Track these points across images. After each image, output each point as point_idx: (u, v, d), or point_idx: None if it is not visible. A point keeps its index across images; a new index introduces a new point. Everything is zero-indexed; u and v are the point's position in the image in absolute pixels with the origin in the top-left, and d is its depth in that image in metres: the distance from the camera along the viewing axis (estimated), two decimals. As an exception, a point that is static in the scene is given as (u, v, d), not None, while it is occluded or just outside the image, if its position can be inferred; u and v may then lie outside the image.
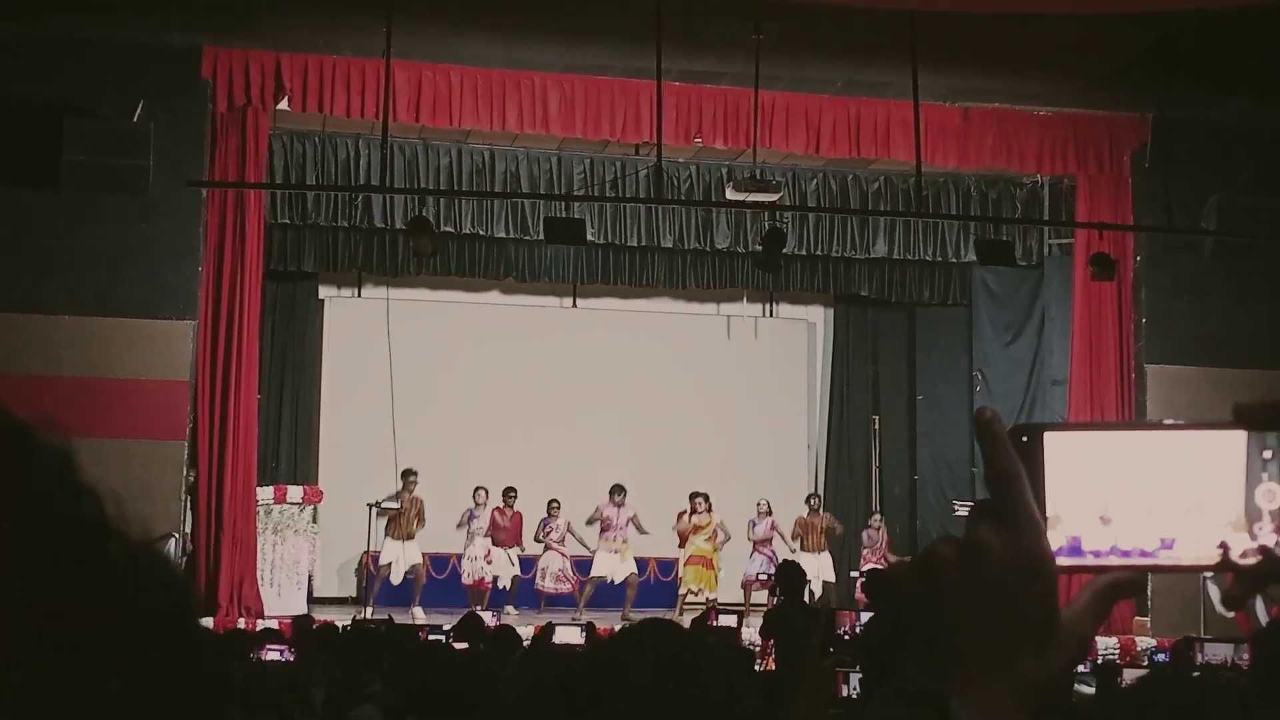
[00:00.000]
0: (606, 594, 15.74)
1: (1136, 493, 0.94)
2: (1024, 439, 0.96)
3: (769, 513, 16.10)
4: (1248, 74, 13.04)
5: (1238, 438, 0.93)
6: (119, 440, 13.00)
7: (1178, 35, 12.13)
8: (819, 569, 15.58)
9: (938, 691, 0.90)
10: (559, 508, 15.74)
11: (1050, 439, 0.96)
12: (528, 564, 15.81)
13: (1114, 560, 0.95)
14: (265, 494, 14.27)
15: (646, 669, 1.67)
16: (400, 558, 14.87)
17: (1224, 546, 0.93)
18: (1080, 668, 8.62)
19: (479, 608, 14.33)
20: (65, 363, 13.03)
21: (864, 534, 16.44)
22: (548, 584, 15.60)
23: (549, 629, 9.70)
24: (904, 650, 0.93)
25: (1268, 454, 0.93)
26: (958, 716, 0.89)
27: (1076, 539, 0.95)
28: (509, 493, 15.51)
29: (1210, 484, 0.94)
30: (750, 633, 11.27)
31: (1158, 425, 0.97)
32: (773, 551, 15.79)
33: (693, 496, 15.93)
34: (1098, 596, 0.95)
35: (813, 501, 16.55)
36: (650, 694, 1.65)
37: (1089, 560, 0.95)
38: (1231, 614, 13.07)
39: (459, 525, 15.32)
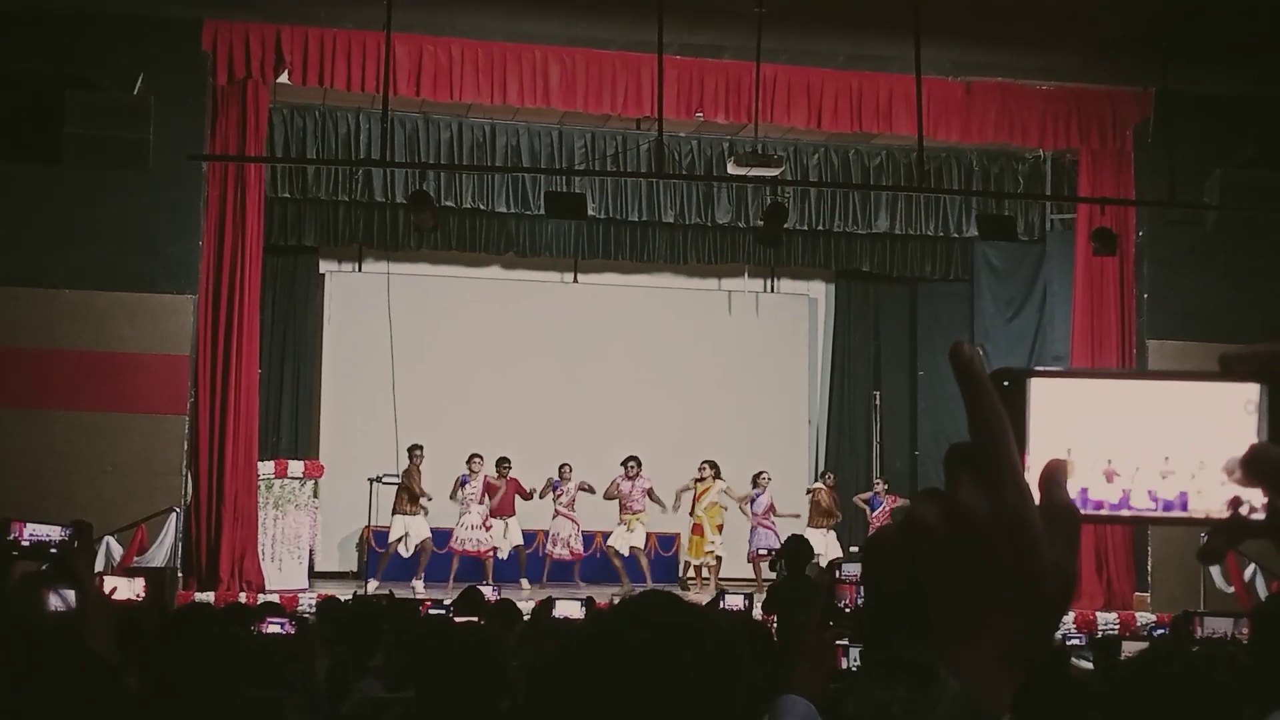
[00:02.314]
0: (609, 568, 15.77)
1: (1139, 445, 0.92)
2: (1006, 384, 0.92)
3: (768, 484, 16.10)
4: (1251, 47, 12.98)
5: (1245, 389, 0.92)
6: (119, 414, 13.03)
7: (1181, 8, 12.08)
8: (826, 545, 15.62)
9: (925, 659, 0.89)
10: (571, 471, 15.75)
11: (1038, 386, 0.92)
12: (529, 537, 15.85)
13: (1125, 514, 0.92)
14: (266, 468, 14.27)
15: (644, 641, 1.67)
16: (410, 532, 14.92)
17: (1235, 502, 0.92)
18: (1077, 642, 8.63)
19: (483, 582, 14.40)
20: (66, 337, 13.03)
21: (870, 496, 16.42)
22: (557, 549, 15.65)
23: (549, 603, 9.71)
24: (893, 620, 0.92)
25: (1250, 407, 0.92)
26: (946, 684, 0.88)
27: (1084, 490, 0.92)
28: (503, 463, 15.50)
29: (1217, 437, 0.92)
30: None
31: (1149, 375, 0.94)
32: (773, 523, 15.81)
33: (705, 464, 15.95)
34: (1048, 514, 0.91)
35: (828, 479, 16.52)
36: (649, 665, 1.65)
37: (1103, 513, 0.93)
38: (1229, 586, 13.09)
39: (452, 494, 15.27)
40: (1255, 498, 0.91)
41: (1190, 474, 0.92)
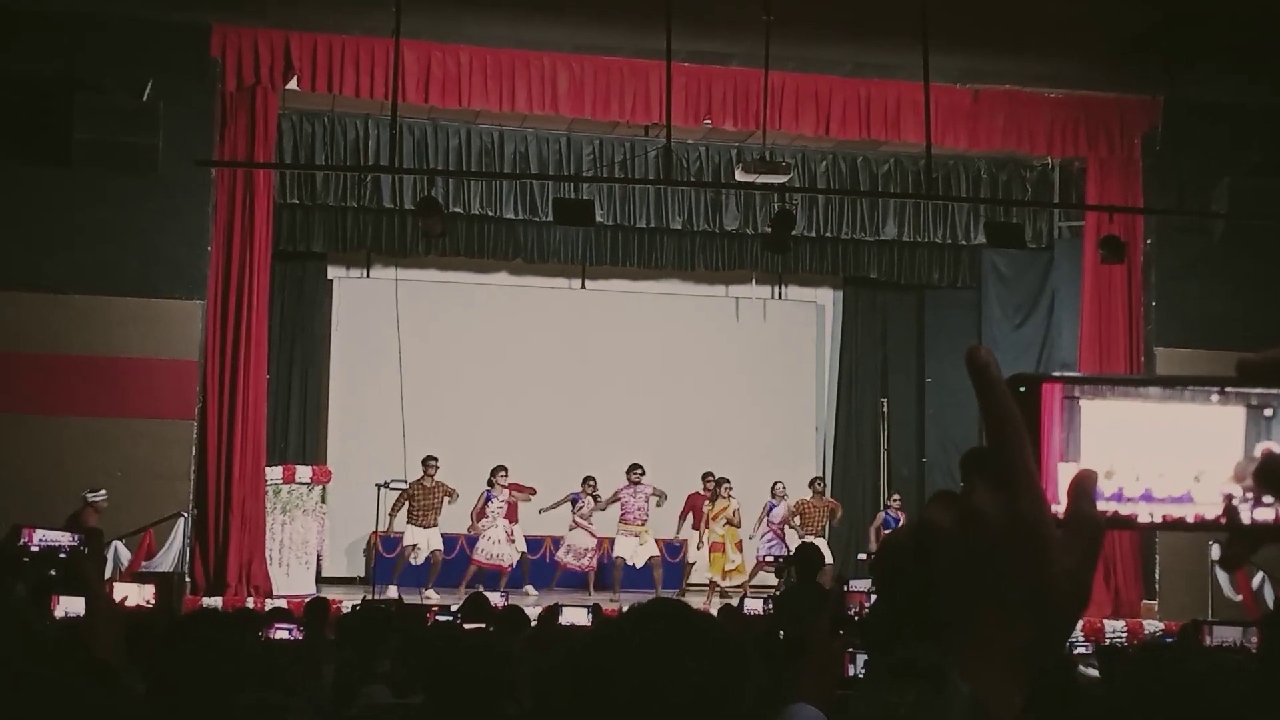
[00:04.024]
0: (628, 577, 15.74)
1: (1149, 448, 0.92)
2: (1022, 389, 0.92)
3: (785, 496, 16.04)
4: (1259, 55, 12.97)
5: (1235, 414, 0.92)
6: (127, 420, 13.05)
7: (1189, 16, 12.07)
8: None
9: (936, 663, 0.89)
10: (595, 485, 15.72)
11: (1053, 391, 0.92)
12: (536, 544, 15.85)
13: (1143, 506, 0.92)
14: (274, 474, 14.28)
15: (647, 645, 1.67)
16: (424, 543, 14.89)
17: (1229, 498, 0.92)
18: (1084, 650, 8.62)
19: (499, 589, 14.38)
20: (74, 342, 13.05)
21: (882, 515, 16.35)
22: (570, 560, 15.62)
23: (555, 609, 9.71)
24: (903, 625, 0.92)
25: (1269, 412, 0.92)
26: (957, 688, 0.88)
27: (1120, 490, 0.92)
28: (499, 470, 15.46)
29: (1213, 443, 0.92)
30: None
31: (1165, 380, 0.94)
32: (782, 532, 15.79)
33: (718, 481, 15.85)
34: (1072, 523, 0.91)
35: (817, 485, 16.46)
36: (652, 670, 1.65)
37: (1134, 518, 0.92)
38: (1237, 594, 13.06)
39: (475, 510, 15.30)
40: (1240, 493, 0.91)
41: (1198, 477, 0.92)
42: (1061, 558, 0.90)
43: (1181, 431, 0.92)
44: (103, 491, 12.29)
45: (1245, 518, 0.92)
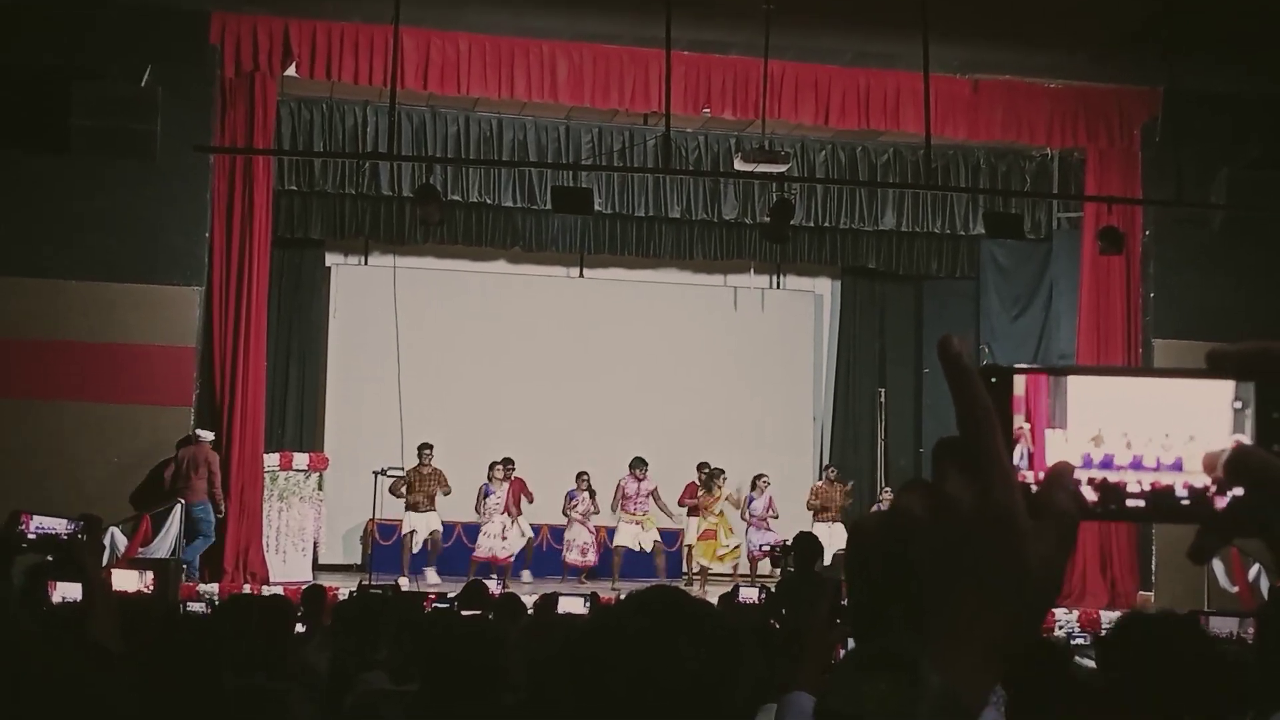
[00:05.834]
0: (630, 565, 15.77)
1: (1138, 414, 0.93)
2: (993, 380, 0.92)
3: (766, 488, 16.10)
4: (1259, 45, 12.96)
5: (1224, 388, 0.93)
6: (126, 405, 13.05)
7: (1188, 5, 12.05)
8: (832, 539, 15.59)
9: (907, 653, 0.89)
10: (588, 480, 15.76)
11: (1023, 383, 0.93)
12: (534, 530, 15.89)
13: (1132, 474, 0.92)
14: (271, 461, 14.29)
15: (643, 631, 1.68)
16: (421, 526, 14.95)
17: (1214, 467, 0.92)
18: (1082, 641, 8.63)
19: (494, 577, 14.41)
20: (73, 328, 13.05)
21: (874, 509, 16.41)
22: (574, 556, 15.70)
23: (552, 598, 9.72)
24: (882, 611, 0.92)
25: (1238, 404, 0.92)
26: (927, 678, 0.88)
27: (1110, 455, 0.92)
28: (507, 463, 15.49)
29: (1199, 428, 0.92)
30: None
31: (1139, 371, 0.95)
32: (766, 524, 15.82)
33: (711, 473, 15.93)
34: (1045, 513, 0.92)
35: (830, 473, 16.51)
36: (648, 656, 1.65)
37: (1115, 474, 0.92)
38: (1233, 585, 13.08)
39: (476, 507, 15.36)
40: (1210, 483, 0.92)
41: (1189, 440, 0.93)
42: (1035, 544, 0.91)
43: (1172, 399, 0.93)
44: (211, 433, 12.93)
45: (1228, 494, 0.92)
